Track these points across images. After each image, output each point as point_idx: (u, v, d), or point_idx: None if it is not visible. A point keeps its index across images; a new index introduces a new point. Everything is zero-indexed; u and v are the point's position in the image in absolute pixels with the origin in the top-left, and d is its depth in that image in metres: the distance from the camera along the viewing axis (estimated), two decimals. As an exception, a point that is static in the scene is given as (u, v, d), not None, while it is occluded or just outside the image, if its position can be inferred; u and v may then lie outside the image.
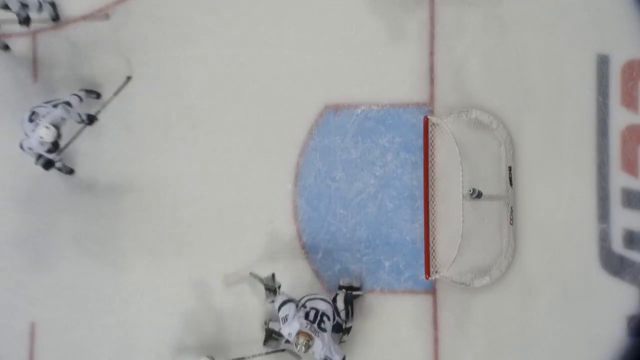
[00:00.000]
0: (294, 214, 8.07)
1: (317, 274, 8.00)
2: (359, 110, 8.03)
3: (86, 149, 8.25)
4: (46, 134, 7.43)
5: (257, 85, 8.11)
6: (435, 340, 7.84)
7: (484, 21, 7.86)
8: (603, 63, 7.71)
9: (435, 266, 7.39)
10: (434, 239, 7.44)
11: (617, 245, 7.64)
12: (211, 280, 8.06)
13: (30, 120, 7.57)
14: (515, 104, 7.82)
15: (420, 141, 7.67)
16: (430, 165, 7.53)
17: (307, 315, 7.15)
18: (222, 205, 8.10)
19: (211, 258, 8.07)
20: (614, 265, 7.64)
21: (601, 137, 7.70)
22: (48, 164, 7.72)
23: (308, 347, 7.00)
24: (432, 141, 7.57)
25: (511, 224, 7.72)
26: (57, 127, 7.50)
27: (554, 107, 7.77)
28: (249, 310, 7.99)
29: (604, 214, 7.67)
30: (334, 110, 8.06)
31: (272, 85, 8.09)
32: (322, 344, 7.05)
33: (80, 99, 7.87)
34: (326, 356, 7.08)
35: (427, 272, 7.37)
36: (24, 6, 7.78)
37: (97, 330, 8.19)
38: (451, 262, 7.16)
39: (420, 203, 7.72)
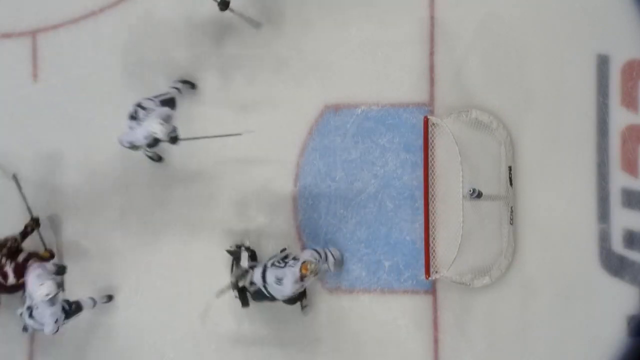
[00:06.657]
0: (294, 214, 8.06)
1: (317, 274, 8.00)
2: (359, 110, 8.03)
3: (85, 152, 8.26)
4: (160, 130, 7.11)
5: (257, 85, 8.11)
6: (435, 340, 7.84)
7: (484, 21, 7.86)
8: (603, 63, 7.70)
9: (435, 266, 7.40)
10: (434, 239, 7.44)
11: (617, 245, 7.64)
12: (210, 279, 8.05)
13: (132, 117, 7.24)
14: (515, 104, 7.82)
15: (420, 141, 7.67)
16: (430, 165, 7.53)
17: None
18: (221, 205, 8.10)
19: (211, 258, 8.07)
20: (614, 265, 7.64)
21: (601, 137, 7.70)
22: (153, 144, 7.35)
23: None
24: (432, 141, 7.57)
25: (511, 224, 7.72)
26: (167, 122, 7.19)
27: (554, 107, 7.77)
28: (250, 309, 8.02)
29: (604, 214, 7.67)
30: (334, 110, 8.05)
31: (272, 85, 8.09)
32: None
33: (179, 91, 7.78)
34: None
35: (427, 272, 7.38)
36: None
37: (96, 330, 8.18)
38: (451, 262, 7.16)
39: (420, 203, 7.72)
